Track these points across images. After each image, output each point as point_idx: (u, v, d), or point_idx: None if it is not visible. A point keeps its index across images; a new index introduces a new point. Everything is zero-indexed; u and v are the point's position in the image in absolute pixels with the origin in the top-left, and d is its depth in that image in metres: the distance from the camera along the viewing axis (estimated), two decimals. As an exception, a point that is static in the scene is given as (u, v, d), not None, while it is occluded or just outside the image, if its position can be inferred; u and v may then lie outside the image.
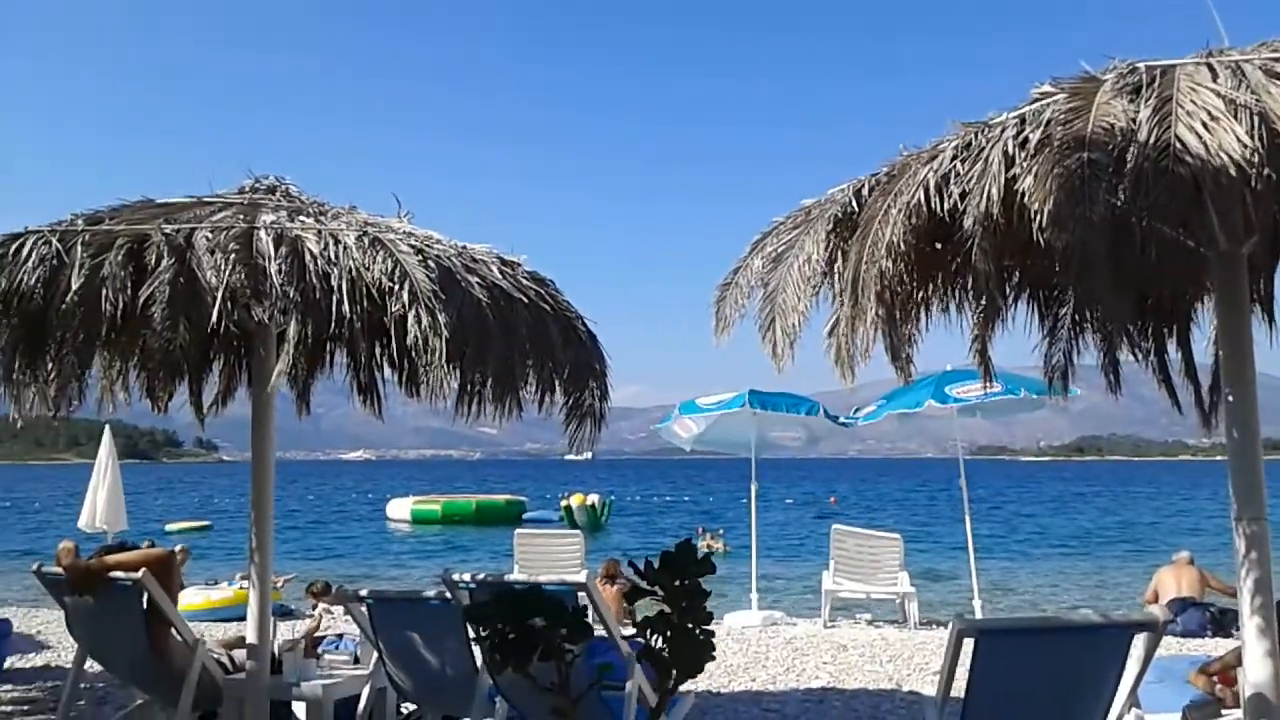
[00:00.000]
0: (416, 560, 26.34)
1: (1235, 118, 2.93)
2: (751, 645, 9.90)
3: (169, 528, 35.15)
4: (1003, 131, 3.36)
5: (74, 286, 4.37)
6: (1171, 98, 3.05)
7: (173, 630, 5.59)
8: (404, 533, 37.79)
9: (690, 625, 2.65)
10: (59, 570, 5.67)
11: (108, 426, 13.98)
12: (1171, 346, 4.81)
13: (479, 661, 5.23)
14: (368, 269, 4.49)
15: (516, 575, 10.05)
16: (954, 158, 3.44)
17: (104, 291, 4.35)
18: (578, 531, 14.61)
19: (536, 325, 5.02)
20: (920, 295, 4.30)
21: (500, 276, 4.96)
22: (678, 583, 2.61)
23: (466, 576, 5.15)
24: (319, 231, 4.63)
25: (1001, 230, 3.31)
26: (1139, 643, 3.86)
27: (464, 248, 5.03)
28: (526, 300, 5.00)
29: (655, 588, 2.64)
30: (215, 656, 5.86)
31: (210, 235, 4.51)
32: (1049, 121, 3.23)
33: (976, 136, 3.47)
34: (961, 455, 13.04)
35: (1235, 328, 3.92)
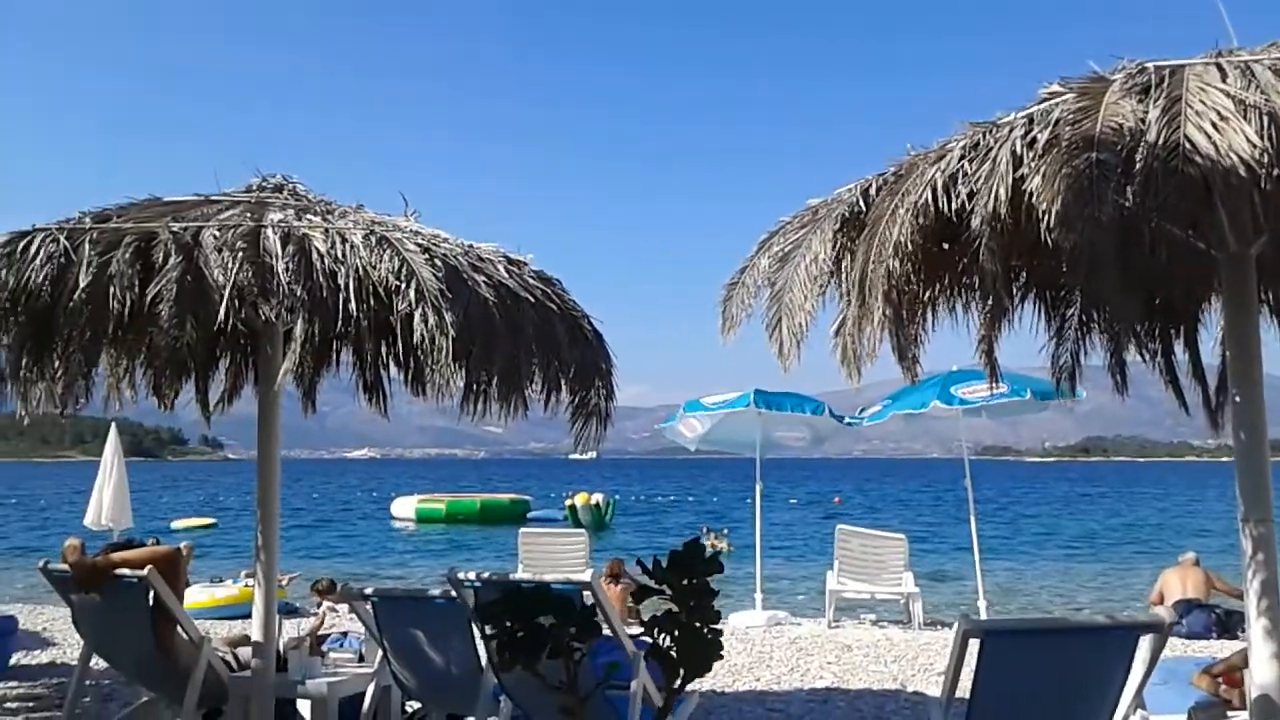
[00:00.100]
0: (421, 559, 26.36)
1: (1245, 118, 2.92)
2: (756, 645, 9.90)
3: (174, 525, 35.22)
4: (1011, 131, 3.36)
5: (82, 284, 4.37)
6: (1181, 98, 3.04)
7: (178, 628, 5.60)
8: (409, 531, 37.82)
9: (698, 624, 2.64)
10: (65, 567, 5.69)
11: (114, 424, 14.02)
12: (1179, 347, 4.80)
13: (484, 660, 5.24)
14: (374, 268, 4.48)
15: (521, 574, 10.06)
16: (962, 157, 3.44)
17: (111, 289, 4.35)
18: (582, 531, 14.60)
19: (543, 324, 5.02)
20: (927, 295, 4.30)
21: (506, 275, 4.96)
22: (686, 582, 2.61)
23: (471, 575, 5.15)
24: (326, 230, 4.63)
25: (1009, 230, 3.30)
26: (1145, 644, 3.86)
27: (470, 246, 5.03)
28: (533, 299, 4.99)
29: (663, 587, 2.64)
30: (220, 654, 5.87)
31: (218, 233, 4.51)
32: (1057, 121, 3.22)
33: (984, 136, 3.46)
34: (967, 456, 13.02)
35: (1243, 329, 3.91)
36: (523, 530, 13.31)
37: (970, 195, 3.33)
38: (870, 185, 3.89)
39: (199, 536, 28.34)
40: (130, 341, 5.37)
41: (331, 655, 6.49)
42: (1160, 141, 2.97)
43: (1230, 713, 5.08)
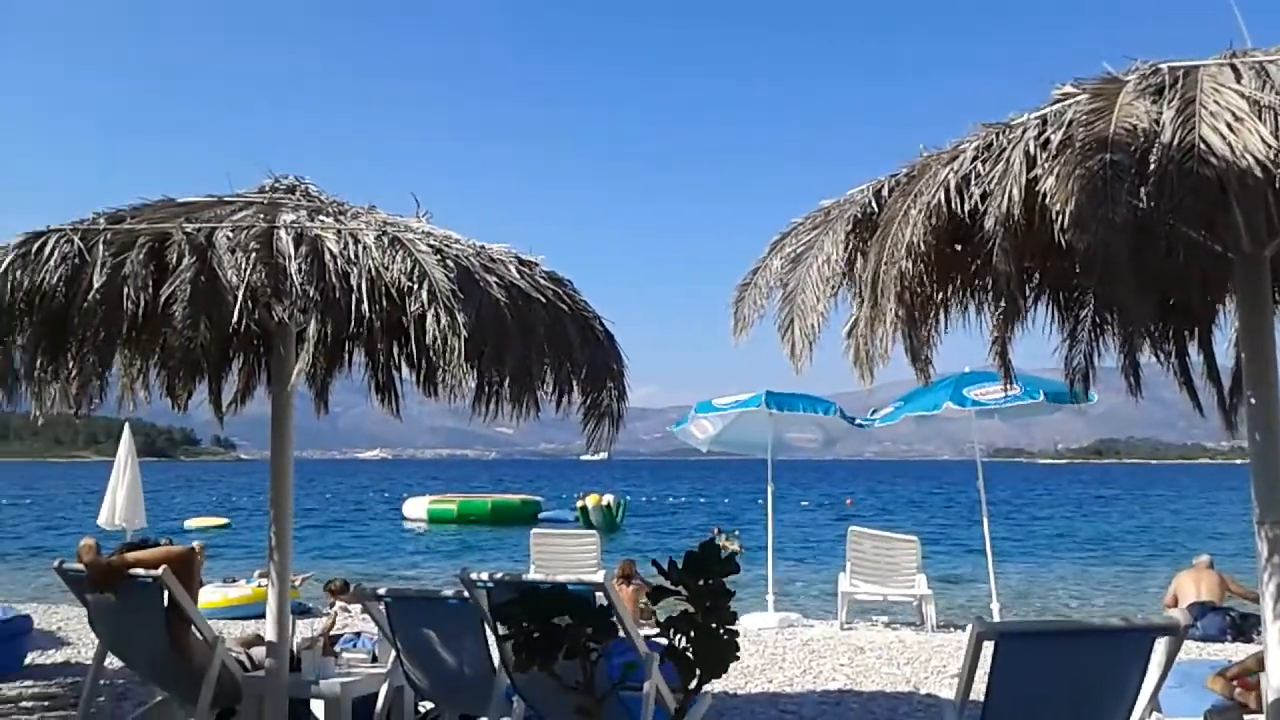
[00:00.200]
0: (433, 559, 26.40)
1: (1260, 119, 2.91)
2: (768, 647, 9.89)
3: (188, 524, 35.38)
4: (1024, 132, 3.35)
5: (96, 285, 4.39)
6: (1195, 99, 3.03)
7: (193, 628, 5.62)
8: (420, 532, 37.88)
9: (714, 625, 2.64)
10: (80, 567, 5.71)
11: (127, 424, 14.07)
12: (1193, 349, 4.78)
13: (496, 661, 5.24)
14: (387, 268, 4.49)
15: (533, 575, 10.08)
16: (975, 158, 3.43)
17: (125, 290, 4.37)
18: (594, 532, 14.62)
19: (554, 325, 5.02)
20: (939, 297, 4.29)
21: (518, 276, 4.96)
22: (702, 582, 2.60)
23: (484, 576, 5.16)
24: (338, 231, 4.64)
25: (1022, 231, 3.29)
26: (1160, 647, 3.84)
27: (482, 247, 5.03)
28: (544, 300, 5.00)
29: (680, 587, 2.64)
30: (234, 655, 5.89)
31: (231, 234, 4.53)
32: (1071, 122, 3.21)
33: (997, 137, 3.45)
34: (979, 458, 12.98)
35: (1258, 330, 3.89)
36: (534, 531, 13.32)
37: (983, 196, 3.32)
38: (882, 186, 3.88)
39: (211, 537, 28.45)
40: (144, 342, 5.39)
41: (344, 655, 6.51)
42: (1175, 142, 2.96)
43: (1246, 716, 5.06)
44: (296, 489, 5.84)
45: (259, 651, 6.05)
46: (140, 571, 5.51)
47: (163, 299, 4.36)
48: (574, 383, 5.24)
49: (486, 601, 5.09)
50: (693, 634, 2.59)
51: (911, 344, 3.77)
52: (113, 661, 6.16)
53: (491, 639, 5.23)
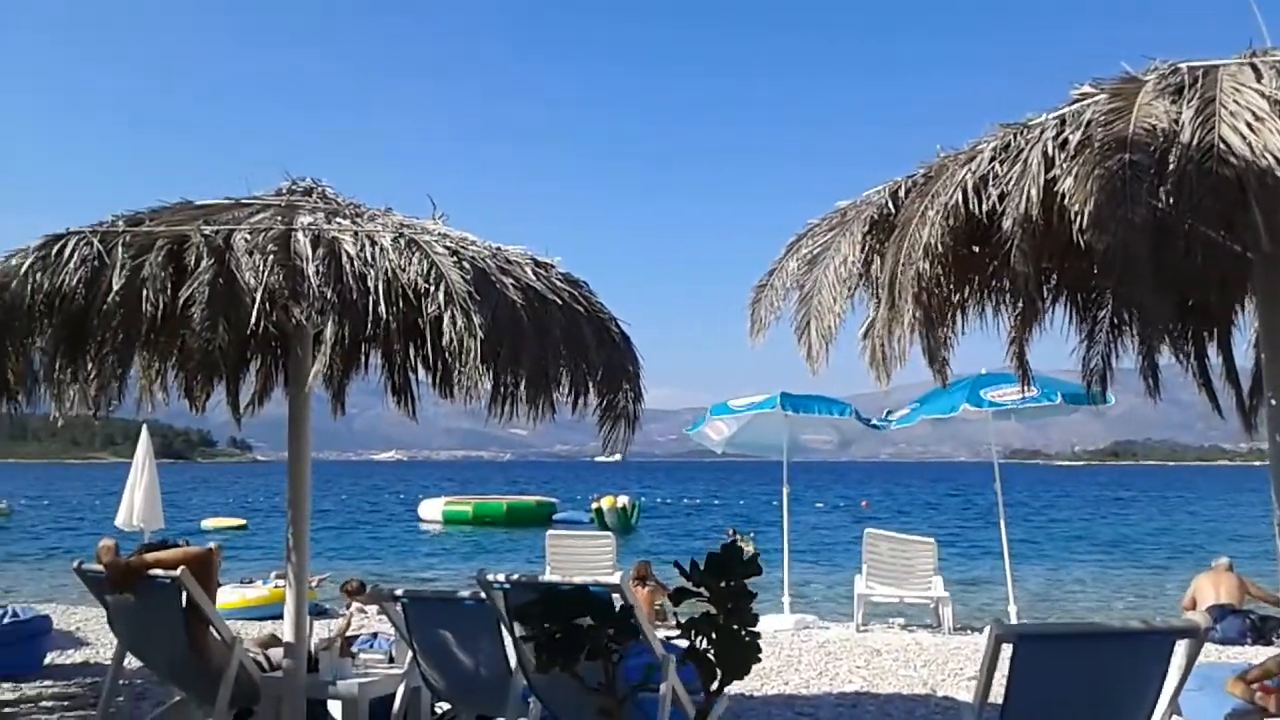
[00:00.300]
0: (449, 560, 26.45)
1: (1280, 118, 2.90)
2: (784, 649, 9.87)
3: (205, 524, 35.53)
4: (1042, 133, 3.34)
5: (115, 287, 4.41)
6: (1215, 98, 3.02)
7: (211, 628, 5.64)
8: (436, 533, 37.96)
9: (736, 627, 2.64)
10: (99, 568, 5.74)
11: (145, 426, 14.13)
12: (1212, 350, 4.75)
13: (513, 661, 5.25)
14: (404, 270, 4.51)
15: (549, 576, 10.08)
16: (992, 159, 3.43)
17: (144, 292, 4.39)
18: (609, 533, 14.61)
19: (570, 327, 5.03)
20: (957, 298, 4.28)
21: (534, 278, 4.97)
22: (724, 584, 2.60)
23: (500, 577, 5.17)
24: (355, 233, 4.66)
25: (1040, 232, 3.29)
26: (1180, 649, 3.82)
27: (498, 249, 5.04)
28: (560, 302, 5.00)
29: (701, 589, 2.64)
30: (252, 655, 5.91)
31: (249, 237, 4.55)
32: (1089, 122, 3.21)
33: (1015, 138, 3.45)
34: (996, 459, 12.93)
35: (1278, 330, 3.87)
36: (550, 532, 13.33)
37: (1001, 197, 3.32)
38: (899, 187, 3.88)
39: (228, 537, 28.56)
40: (162, 344, 5.42)
41: (361, 656, 6.52)
42: (1194, 142, 2.95)
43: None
44: (313, 490, 5.86)
45: (276, 652, 6.08)
46: (159, 572, 5.53)
47: (181, 301, 4.39)
48: (590, 384, 5.24)
49: (503, 602, 5.10)
50: (714, 636, 2.59)
51: (929, 345, 3.77)
52: (131, 661, 6.19)
53: (508, 640, 5.24)
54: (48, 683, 8.00)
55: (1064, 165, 3.14)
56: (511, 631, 5.11)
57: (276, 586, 13.17)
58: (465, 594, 5.54)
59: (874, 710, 7.34)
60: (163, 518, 14.12)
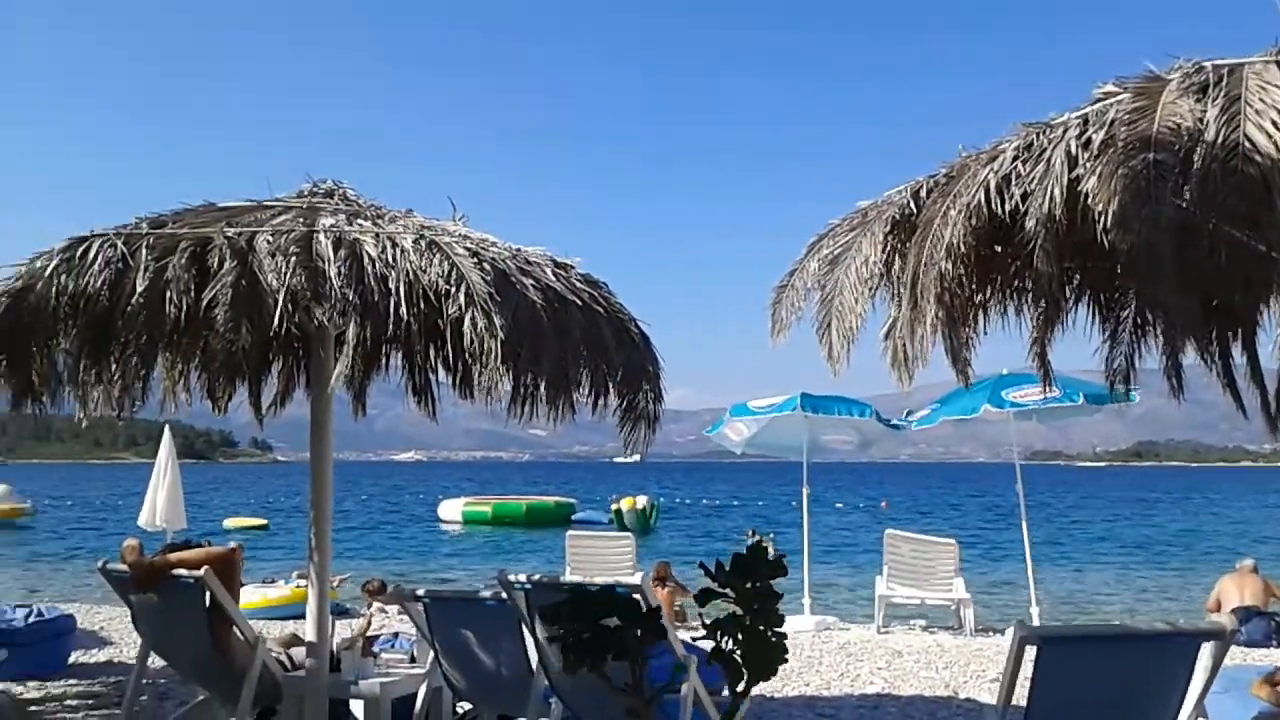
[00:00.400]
0: (468, 561, 26.51)
1: (1307, 116, 2.87)
2: (804, 650, 9.85)
3: (227, 523, 35.74)
4: (1065, 132, 3.33)
5: (139, 289, 4.45)
6: (1240, 96, 3.00)
7: (234, 628, 5.67)
8: (455, 534, 38.05)
9: (762, 628, 2.64)
10: (123, 568, 5.79)
11: (167, 426, 14.24)
12: (1236, 350, 4.71)
13: (534, 662, 5.26)
14: (424, 272, 4.53)
15: (569, 577, 10.10)
16: (1015, 159, 3.42)
17: (168, 294, 4.43)
18: (629, 534, 14.62)
19: (590, 327, 5.04)
20: (979, 298, 4.26)
21: (554, 279, 4.98)
22: (749, 585, 2.60)
23: (522, 577, 5.18)
24: (377, 235, 4.68)
25: (1063, 232, 3.27)
26: (1206, 652, 3.79)
27: (518, 250, 5.06)
28: (580, 302, 5.02)
29: (727, 590, 2.63)
30: (275, 655, 5.94)
31: (271, 238, 4.58)
32: (1113, 121, 3.19)
33: (1038, 137, 3.43)
34: (1017, 460, 12.85)
35: (1304, 331, 3.84)
36: (570, 533, 13.34)
37: (1024, 196, 3.31)
38: (920, 187, 3.87)
39: (250, 537, 28.72)
40: (185, 345, 5.46)
41: (383, 656, 6.54)
42: (1219, 141, 2.93)
43: (1293, 722, 4.98)
44: (334, 491, 5.89)
45: (299, 651, 6.10)
46: (183, 572, 5.56)
47: (204, 303, 4.42)
48: (610, 385, 5.25)
49: (524, 603, 5.11)
50: (740, 637, 2.58)
51: (952, 345, 3.75)
52: (154, 661, 6.23)
53: (529, 640, 5.25)
54: (72, 681, 8.06)
55: (1087, 165, 3.13)
56: (533, 632, 5.12)
57: (298, 586, 13.23)
58: (487, 594, 5.55)
59: (896, 712, 7.32)
60: (185, 518, 14.22)
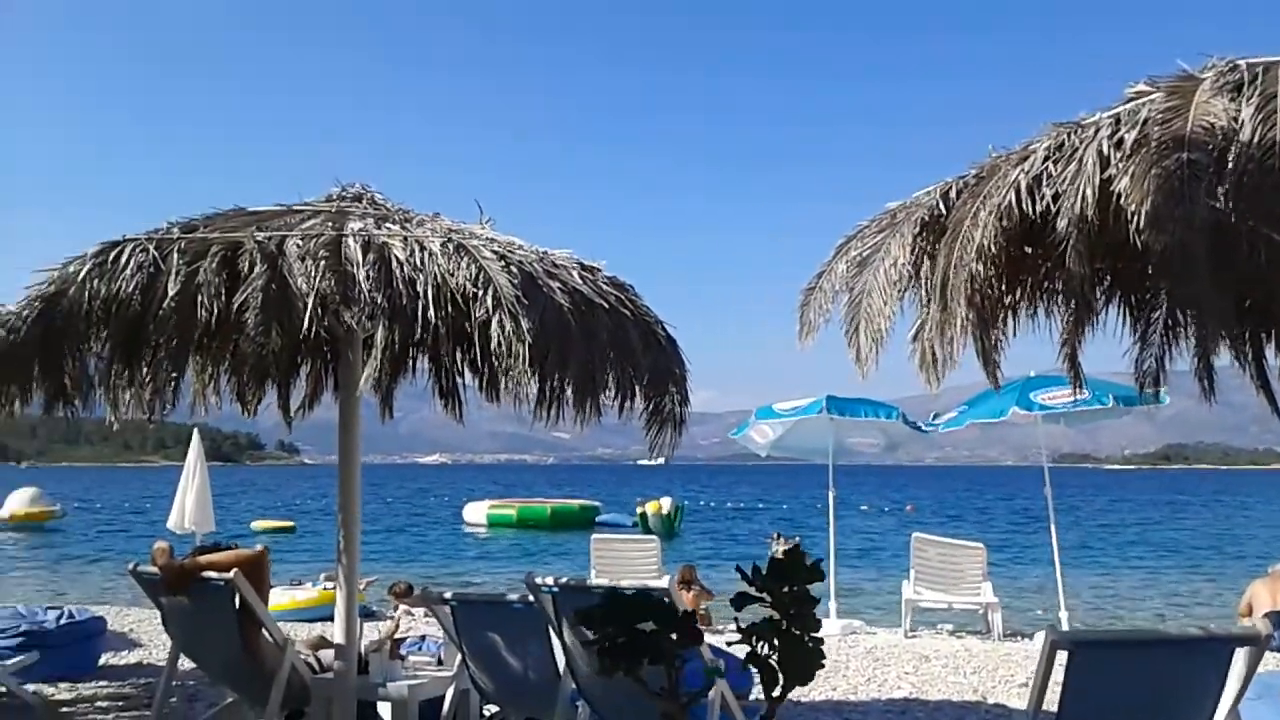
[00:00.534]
0: (493, 564, 26.56)
1: (1344, 114, 2.84)
2: (831, 654, 9.71)
3: (255, 526, 35.95)
4: (1097, 132, 3.30)
5: (170, 293, 4.49)
6: (1276, 95, 2.97)
7: (263, 630, 5.70)
8: (480, 536, 38.13)
9: (799, 632, 2.63)
10: (154, 570, 5.83)
11: (196, 430, 14.33)
12: (1270, 351, 4.66)
13: (561, 665, 5.26)
14: (452, 275, 4.54)
15: (595, 580, 10.10)
16: (1046, 159, 3.39)
17: (199, 298, 4.46)
18: (654, 537, 14.60)
19: (617, 330, 5.04)
20: (1009, 299, 4.23)
21: (580, 282, 4.99)
22: (786, 589, 2.59)
23: (549, 580, 5.18)
24: (405, 238, 4.70)
25: (1095, 232, 3.24)
26: (1239, 657, 3.74)
27: (545, 253, 5.07)
28: (607, 305, 5.02)
29: (764, 594, 2.63)
30: (303, 657, 5.97)
31: (301, 242, 4.61)
32: (1146, 121, 3.16)
33: (1069, 137, 3.41)
34: (1046, 463, 12.75)
35: (1339, 332, 3.79)
36: (595, 536, 13.35)
37: (1055, 197, 3.28)
38: (950, 188, 3.84)
39: (276, 540, 28.87)
40: (216, 349, 5.50)
41: (411, 658, 6.57)
42: (1255, 140, 2.90)
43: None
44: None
45: (327, 654, 6.13)
46: (213, 574, 5.60)
47: (235, 306, 4.45)
48: (637, 387, 5.25)
49: (551, 606, 5.11)
50: (777, 641, 2.58)
51: (982, 347, 3.72)
52: (184, 663, 6.28)
53: (556, 644, 5.26)
54: (103, 683, 8.13)
55: (1120, 164, 3.10)
56: (560, 635, 5.12)
57: (325, 589, 13.29)
58: (514, 597, 5.56)
59: (924, 717, 7.28)
60: (214, 520, 14.31)
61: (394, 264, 4.56)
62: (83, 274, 4.68)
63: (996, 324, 4.07)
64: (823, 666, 2.74)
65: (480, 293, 4.47)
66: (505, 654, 5.56)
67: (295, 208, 5.17)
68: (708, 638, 5.66)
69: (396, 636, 7.27)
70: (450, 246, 4.65)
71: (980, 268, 3.39)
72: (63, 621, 8.42)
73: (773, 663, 2.65)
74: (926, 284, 3.83)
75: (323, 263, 4.49)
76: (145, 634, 10.59)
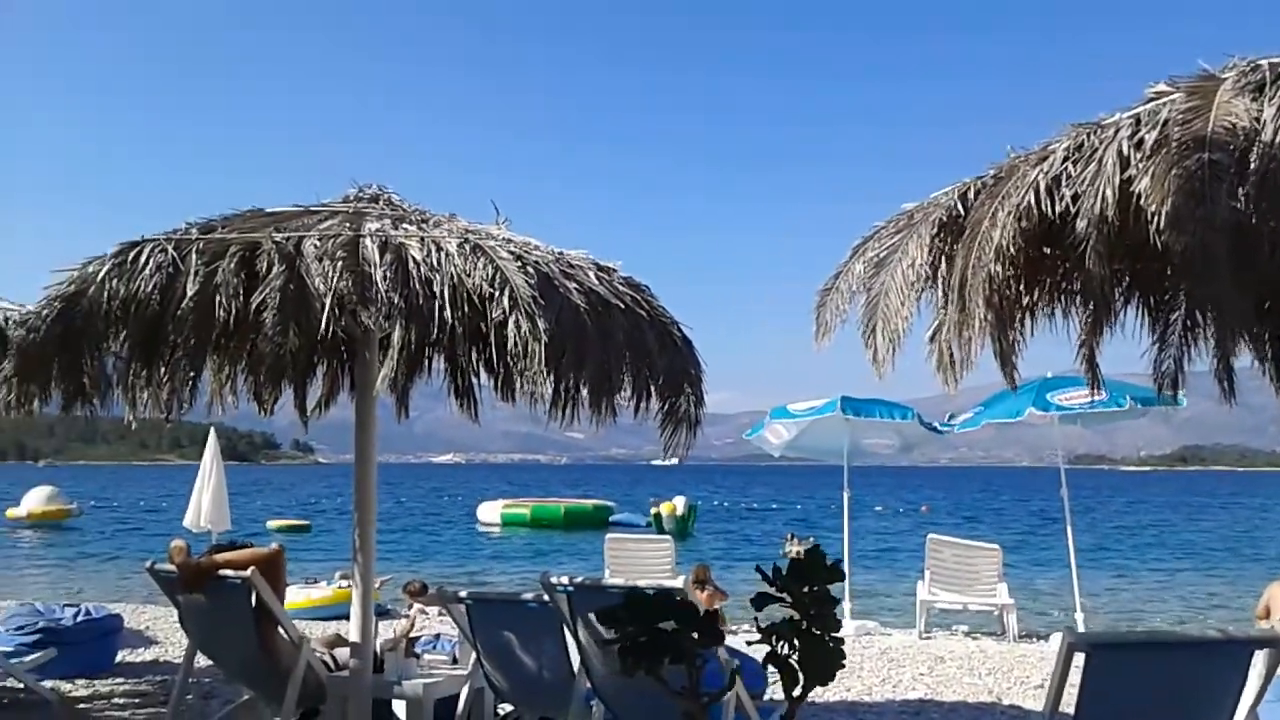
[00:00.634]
0: (507, 563, 26.61)
1: (1367, 114, 2.82)
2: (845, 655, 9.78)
3: (270, 524, 36.10)
4: (1116, 132, 3.29)
5: (189, 293, 4.50)
6: (1298, 94, 2.95)
7: (280, 628, 5.72)
8: (494, 535, 38.20)
9: (819, 632, 2.62)
10: (171, 568, 5.86)
11: (212, 429, 14.40)
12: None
13: (576, 664, 5.26)
14: (469, 275, 4.55)
15: (609, 579, 10.10)
16: (1065, 159, 3.38)
17: (217, 298, 4.47)
18: (668, 537, 14.59)
19: (633, 331, 5.04)
20: (1026, 300, 4.22)
21: (597, 282, 4.98)
22: (806, 589, 2.59)
23: (564, 580, 5.18)
24: (422, 239, 4.71)
25: (1114, 233, 3.23)
26: (1259, 659, 3.72)
27: (561, 254, 5.07)
28: (623, 306, 5.02)
29: (784, 594, 2.62)
30: (319, 655, 5.98)
31: (318, 243, 4.61)
32: (1166, 121, 3.14)
33: (1088, 137, 3.39)
34: (1062, 464, 12.69)
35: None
36: (609, 536, 13.35)
37: (1074, 197, 3.27)
38: (968, 189, 3.83)
39: (291, 539, 28.98)
40: (233, 349, 5.52)
41: (426, 657, 6.58)
42: (1277, 140, 2.88)
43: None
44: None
45: (342, 652, 6.15)
46: (229, 573, 5.62)
47: (253, 306, 4.46)
48: (652, 388, 5.24)
49: (566, 605, 5.12)
50: (797, 641, 2.57)
51: (1000, 348, 3.71)
52: (199, 660, 6.30)
53: (571, 643, 5.26)
54: (119, 680, 8.18)
55: (1140, 165, 3.09)
56: (575, 634, 5.12)
57: (340, 587, 13.33)
58: (529, 596, 5.57)
59: (938, 718, 7.26)
60: (229, 519, 14.38)
61: (411, 264, 4.56)
62: (102, 274, 4.70)
63: (1014, 325, 4.05)
64: (843, 666, 2.73)
65: (496, 293, 4.47)
66: (520, 653, 5.56)
67: (313, 208, 5.18)
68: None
69: (412, 635, 7.29)
70: (467, 247, 4.65)
71: (999, 268, 3.38)
72: (80, 619, 8.47)
73: (793, 663, 2.64)
74: (944, 285, 3.83)
75: (340, 263, 4.49)
76: (161, 631, 10.65)
